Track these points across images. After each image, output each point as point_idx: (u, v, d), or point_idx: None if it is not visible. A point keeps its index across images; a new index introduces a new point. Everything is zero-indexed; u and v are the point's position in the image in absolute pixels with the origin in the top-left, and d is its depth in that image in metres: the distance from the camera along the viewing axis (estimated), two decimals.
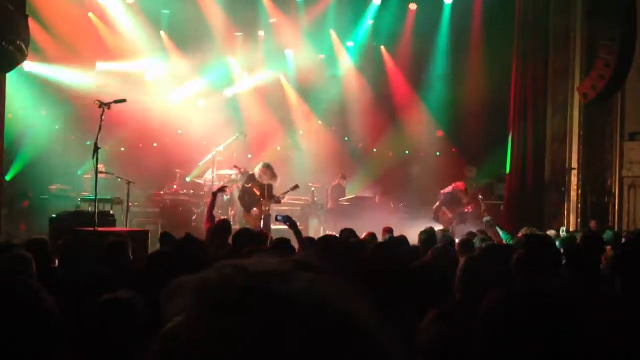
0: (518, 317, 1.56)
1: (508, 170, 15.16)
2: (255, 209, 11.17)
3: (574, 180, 14.32)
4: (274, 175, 11.24)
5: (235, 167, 12.79)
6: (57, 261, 5.82)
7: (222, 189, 9.54)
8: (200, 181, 14.12)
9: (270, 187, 11.28)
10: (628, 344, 2.60)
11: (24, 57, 8.57)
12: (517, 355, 1.53)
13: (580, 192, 14.16)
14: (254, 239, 5.37)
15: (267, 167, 11.27)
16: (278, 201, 11.50)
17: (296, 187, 11.83)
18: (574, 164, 14.34)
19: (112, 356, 2.35)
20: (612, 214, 13.74)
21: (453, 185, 13.78)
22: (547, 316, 1.56)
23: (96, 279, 3.75)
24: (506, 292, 1.71)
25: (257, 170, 11.35)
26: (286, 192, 11.77)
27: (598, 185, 14.13)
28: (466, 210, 13.55)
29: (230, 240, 6.25)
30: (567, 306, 1.62)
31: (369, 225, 12.25)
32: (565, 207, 14.43)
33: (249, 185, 11.26)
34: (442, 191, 13.88)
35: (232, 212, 13.40)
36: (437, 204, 13.74)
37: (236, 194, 13.07)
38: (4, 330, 1.64)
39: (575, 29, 14.37)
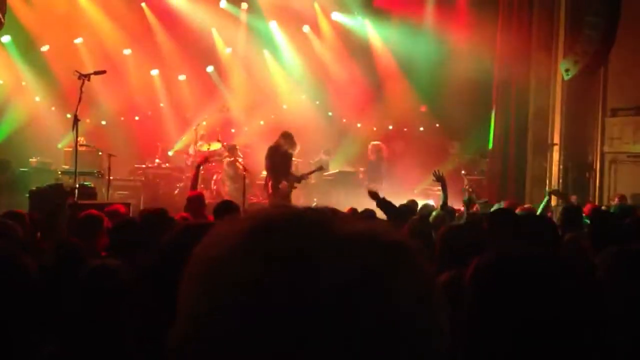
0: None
1: (491, 146, 15.21)
2: (284, 181, 10.23)
3: (556, 155, 14.41)
4: (294, 144, 10.35)
5: (218, 140, 12.73)
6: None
7: (205, 160, 9.42)
8: (190, 151, 14.05)
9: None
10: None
11: (1, 26, 8.41)
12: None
13: (561, 167, 14.25)
14: (233, 211, 5.31)
15: (288, 135, 10.41)
16: (299, 180, 10.65)
17: (321, 168, 11.85)
18: (556, 140, 14.41)
19: (102, 321, 2.35)
20: (592, 189, 13.87)
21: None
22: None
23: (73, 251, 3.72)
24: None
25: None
26: (311, 172, 11.51)
27: (579, 160, 14.23)
28: None
29: (206, 213, 6.22)
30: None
31: (352, 199, 12.32)
32: (547, 183, 14.53)
33: (276, 157, 10.24)
34: None
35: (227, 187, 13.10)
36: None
37: (229, 170, 13.03)
38: None
39: (560, 3, 14.34)
